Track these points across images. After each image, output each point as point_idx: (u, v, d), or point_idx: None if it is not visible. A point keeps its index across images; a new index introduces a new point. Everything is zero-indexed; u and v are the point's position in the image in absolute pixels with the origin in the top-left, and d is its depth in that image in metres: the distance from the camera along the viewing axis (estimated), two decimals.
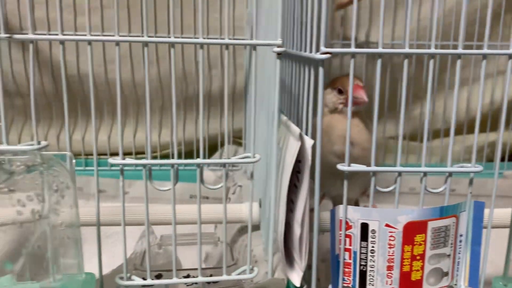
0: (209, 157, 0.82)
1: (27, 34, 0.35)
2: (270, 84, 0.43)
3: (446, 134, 0.81)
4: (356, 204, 0.62)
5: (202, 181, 0.40)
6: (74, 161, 0.37)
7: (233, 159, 0.39)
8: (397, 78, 0.76)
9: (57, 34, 0.35)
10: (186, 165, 0.41)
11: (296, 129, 0.39)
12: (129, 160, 0.39)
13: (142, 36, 0.36)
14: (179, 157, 0.77)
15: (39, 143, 0.37)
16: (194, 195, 0.81)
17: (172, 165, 0.39)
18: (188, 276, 0.42)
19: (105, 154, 0.80)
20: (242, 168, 0.82)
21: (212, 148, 0.83)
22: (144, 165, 0.39)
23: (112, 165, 0.39)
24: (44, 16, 0.73)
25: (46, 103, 0.79)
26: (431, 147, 0.84)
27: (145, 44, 0.36)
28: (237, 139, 0.84)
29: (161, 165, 0.40)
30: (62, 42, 0.36)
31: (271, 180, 0.41)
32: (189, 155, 0.82)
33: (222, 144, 0.84)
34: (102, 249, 0.40)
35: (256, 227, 0.58)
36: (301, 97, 0.42)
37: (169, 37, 0.36)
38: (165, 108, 0.82)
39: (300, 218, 0.39)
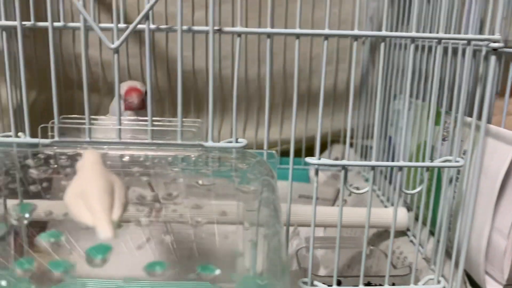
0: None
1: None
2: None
3: None
4: None
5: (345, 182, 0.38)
6: (277, 158, 0.35)
7: (435, 163, 0.37)
8: None
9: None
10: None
11: (506, 132, 0.36)
12: (324, 160, 0.37)
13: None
14: (286, 155, 0.75)
15: (236, 140, 0.36)
16: (302, 195, 0.79)
17: (372, 167, 0.37)
18: (368, 284, 0.40)
19: None
20: (352, 170, 0.80)
21: (322, 146, 0.81)
22: (343, 166, 0.37)
23: (306, 163, 0.37)
24: (162, 10, 0.73)
25: (159, 98, 0.78)
26: None
27: (268, 35, 0.34)
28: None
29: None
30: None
31: (462, 187, 0.39)
32: (297, 153, 0.80)
33: (332, 142, 0.82)
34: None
35: (402, 233, 0.56)
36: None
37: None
38: (274, 105, 0.80)
39: (507, 228, 0.36)
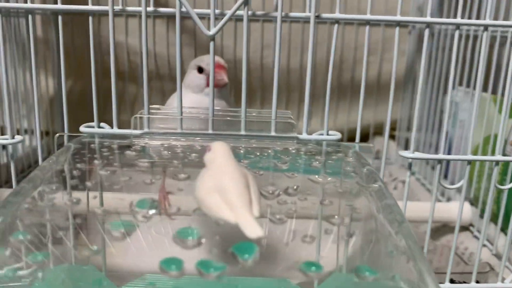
0: None
1: None
2: None
3: None
4: None
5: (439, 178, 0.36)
6: (373, 152, 0.34)
7: None
8: None
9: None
10: None
11: None
12: (418, 154, 0.35)
13: None
14: None
15: (327, 133, 0.35)
16: None
17: (469, 162, 0.35)
18: (452, 281, 0.39)
19: None
20: (395, 163, 0.79)
21: (362, 139, 0.80)
22: (438, 160, 0.35)
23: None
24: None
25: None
26: None
27: (367, 22, 0.34)
28: (391, 130, 0.80)
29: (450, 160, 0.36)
30: None
31: None
32: None
33: (374, 135, 0.80)
34: None
35: (464, 228, 0.55)
36: None
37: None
38: (315, 95, 0.78)
39: None
